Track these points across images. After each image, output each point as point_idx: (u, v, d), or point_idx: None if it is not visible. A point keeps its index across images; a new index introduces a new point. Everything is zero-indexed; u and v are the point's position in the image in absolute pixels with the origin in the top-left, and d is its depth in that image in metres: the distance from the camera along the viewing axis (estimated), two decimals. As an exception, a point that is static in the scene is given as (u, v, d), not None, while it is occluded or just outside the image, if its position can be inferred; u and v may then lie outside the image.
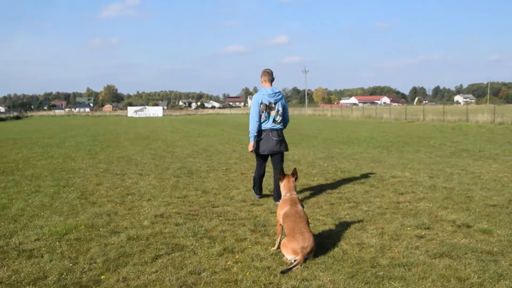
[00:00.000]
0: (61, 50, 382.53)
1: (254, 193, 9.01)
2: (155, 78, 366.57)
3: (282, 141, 8.40)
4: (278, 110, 8.28)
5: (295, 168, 6.51)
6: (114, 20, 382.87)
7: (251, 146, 8.36)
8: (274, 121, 8.31)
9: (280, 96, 8.30)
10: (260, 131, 8.34)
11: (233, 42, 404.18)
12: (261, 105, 8.22)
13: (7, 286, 4.87)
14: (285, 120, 8.46)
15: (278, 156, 8.45)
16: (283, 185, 6.32)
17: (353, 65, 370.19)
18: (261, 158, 8.62)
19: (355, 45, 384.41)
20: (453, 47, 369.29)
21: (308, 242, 5.49)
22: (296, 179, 6.39)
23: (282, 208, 6.00)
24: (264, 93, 8.25)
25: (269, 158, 8.69)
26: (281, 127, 8.42)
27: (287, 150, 8.49)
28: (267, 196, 9.16)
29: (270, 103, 8.23)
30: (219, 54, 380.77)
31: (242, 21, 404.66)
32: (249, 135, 8.35)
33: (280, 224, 6.00)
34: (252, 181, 9.22)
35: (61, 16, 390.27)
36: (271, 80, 8.36)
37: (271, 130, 8.32)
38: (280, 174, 6.48)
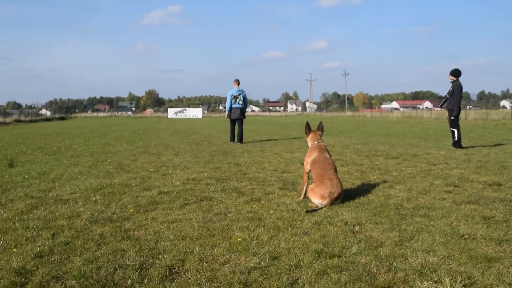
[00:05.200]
0: (105, 56, 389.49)
1: (230, 141, 16.55)
2: (195, 83, 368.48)
3: (242, 113, 16.26)
4: (240, 98, 16.07)
5: (320, 122, 6.58)
6: (156, 27, 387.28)
7: (226, 115, 16.46)
8: (238, 103, 16.11)
9: (241, 92, 16.10)
10: (231, 108, 16.12)
11: (273, 48, 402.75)
12: (232, 96, 16.06)
13: (43, 222, 5.12)
14: (245, 103, 16.29)
15: (240, 121, 16.31)
16: (310, 137, 6.41)
17: (394, 70, 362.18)
18: (232, 122, 16.40)
19: (395, 49, 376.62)
20: (499, 51, 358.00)
21: (336, 188, 5.55)
22: (322, 132, 6.46)
23: (310, 155, 6.09)
24: (234, 90, 16.13)
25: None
26: (242, 106, 16.18)
27: (244, 117, 16.49)
28: (295, 164, 9.26)
29: (236, 95, 16.06)
30: (259, 59, 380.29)
31: (281, 26, 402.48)
32: (226, 110, 16.42)
33: (307, 173, 6.08)
34: (230, 135, 16.72)
35: (106, 22, 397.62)
36: (238, 83, 16.16)
37: (237, 108, 16.15)
38: (305, 129, 6.56)
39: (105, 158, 11.46)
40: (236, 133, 16.45)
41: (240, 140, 16.22)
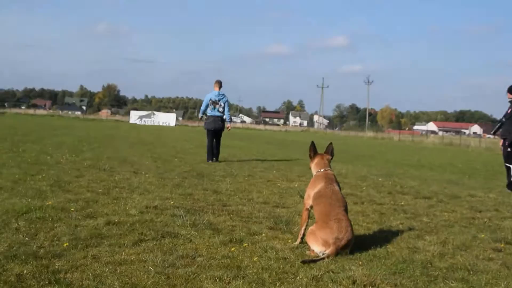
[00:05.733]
0: (52, 35, 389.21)
1: (207, 160, 16.74)
2: (170, 80, 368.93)
3: (222, 123, 16.96)
4: (220, 105, 16.74)
5: (331, 143, 6.54)
6: (125, 2, 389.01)
7: (200, 117, 18.15)
8: (218, 111, 16.74)
9: (222, 97, 16.81)
10: (210, 116, 16.84)
11: (276, 41, 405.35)
12: (210, 101, 16.76)
13: None
14: (226, 111, 16.98)
15: (219, 132, 17.00)
16: (315, 163, 6.37)
17: (434, 80, 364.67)
18: (210, 134, 16.83)
19: (439, 53, 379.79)
20: None
21: (344, 233, 5.50)
22: (332, 156, 6.43)
23: (314, 187, 6.06)
24: (213, 94, 16.81)
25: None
26: (222, 115, 16.83)
27: (223, 129, 17.19)
28: (292, 197, 9.23)
29: (215, 100, 16.71)
30: (257, 55, 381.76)
31: (290, 15, 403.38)
32: (200, 115, 17.97)
33: (307, 209, 6.05)
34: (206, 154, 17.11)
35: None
36: (220, 86, 16.91)
37: (217, 116, 16.75)
38: (310, 152, 6.52)
39: (38, 171, 11.36)
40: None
41: (217, 156, 17.01)
